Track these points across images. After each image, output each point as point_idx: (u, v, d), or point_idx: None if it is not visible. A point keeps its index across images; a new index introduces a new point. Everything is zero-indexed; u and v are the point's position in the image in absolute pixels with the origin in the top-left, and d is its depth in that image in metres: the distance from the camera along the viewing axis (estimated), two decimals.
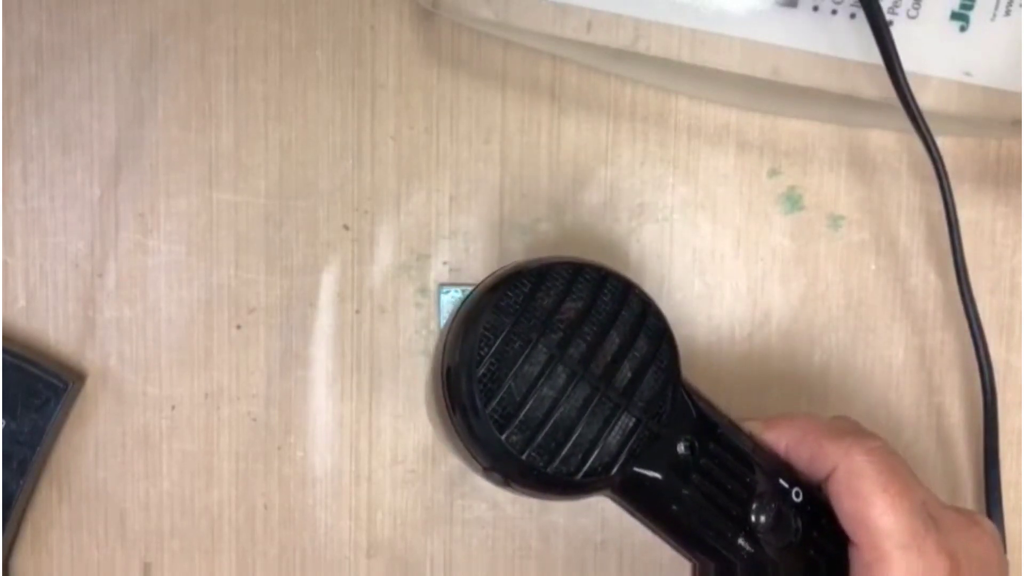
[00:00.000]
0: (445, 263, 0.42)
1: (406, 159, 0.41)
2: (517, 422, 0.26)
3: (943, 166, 0.38)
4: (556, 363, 0.26)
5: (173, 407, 0.42)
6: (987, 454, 0.40)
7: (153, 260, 0.42)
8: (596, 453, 0.26)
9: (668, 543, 0.31)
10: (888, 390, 0.42)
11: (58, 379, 0.40)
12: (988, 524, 0.31)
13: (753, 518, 0.29)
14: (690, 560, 0.31)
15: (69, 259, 0.42)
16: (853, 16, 0.38)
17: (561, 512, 0.42)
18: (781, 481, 0.30)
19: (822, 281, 0.41)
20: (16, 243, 0.42)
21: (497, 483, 0.28)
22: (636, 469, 0.28)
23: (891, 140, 0.41)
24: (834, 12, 0.38)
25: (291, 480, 0.42)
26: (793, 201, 0.41)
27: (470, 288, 0.41)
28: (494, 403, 0.26)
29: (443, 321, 0.41)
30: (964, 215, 0.41)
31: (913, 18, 0.38)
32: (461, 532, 0.42)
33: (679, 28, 0.39)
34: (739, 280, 0.41)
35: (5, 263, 0.42)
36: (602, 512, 0.42)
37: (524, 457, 0.26)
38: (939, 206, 0.41)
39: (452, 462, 0.42)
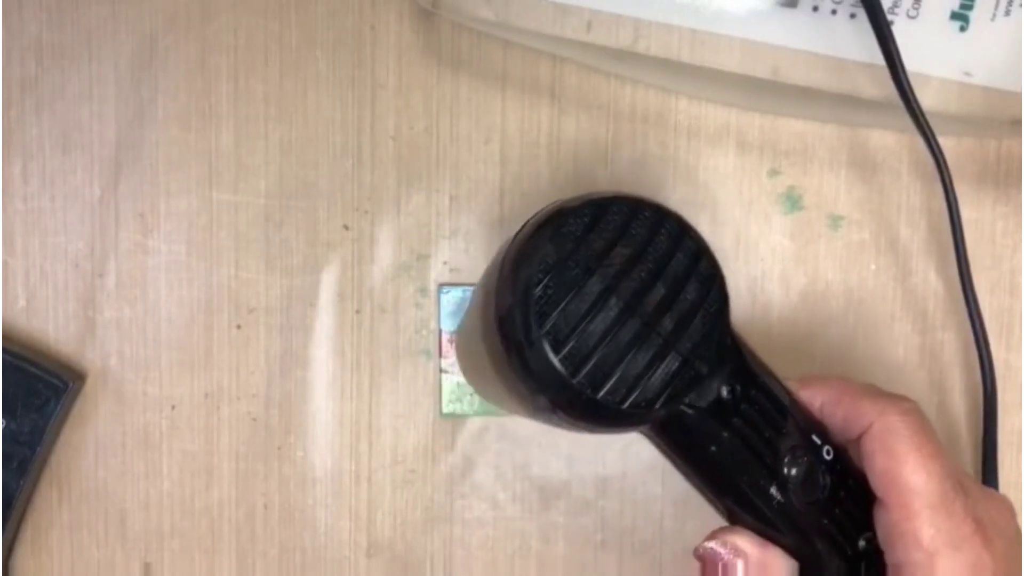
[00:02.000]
0: (445, 263, 0.42)
1: (406, 159, 0.41)
2: (569, 347, 0.26)
3: (946, 165, 0.38)
4: (610, 295, 0.27)
5: (173, 407, 0.42)
6: (986, 454, 0.40)
7: (153, 260, 0.42)
8: (643, 387, 0.27)
9: (699, 488, 0.31)
10: (888, 389, 0.42)
11: (58, 379, 0.40)
12: (1007, 499, 0.32)
13: (786, 470, 0.29)
14: (717, 508, 0.31)
15: (69, 259, 0.42)
16: (853, 16, 0.38)
17: (561, 512, 0.42)
18: (814, 437, 0.30)
19: (822, 281, 0.42)
20: (16, 243, 0.42)
21: (543, 414, 0.28)
22: (680, 407, 0.28)
23: (891, 140, 0.41)
24: (834, 12, 0.38)
25: (291, 480, 0.42)
26: (793, 201, 0.41)
27: (470, 288, 0.41)
28: (548, 325, 0.26)
29: (443, 321, 0.41)
30: (964, 215, 0.41)
31: (913, 18, 0.38)
32: (461, 532, 0.42)
33: (679, 28, 0.39)
34: (739, 280, 0.41)
35: (5, 263, 0.42)
36: (602, 512, 0.42)
37: (575, 382, 0.26)
38: (939, 205, 0.41)
39: (452, 462, 0.42)
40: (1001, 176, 0.41)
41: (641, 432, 0.30)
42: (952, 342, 0.41)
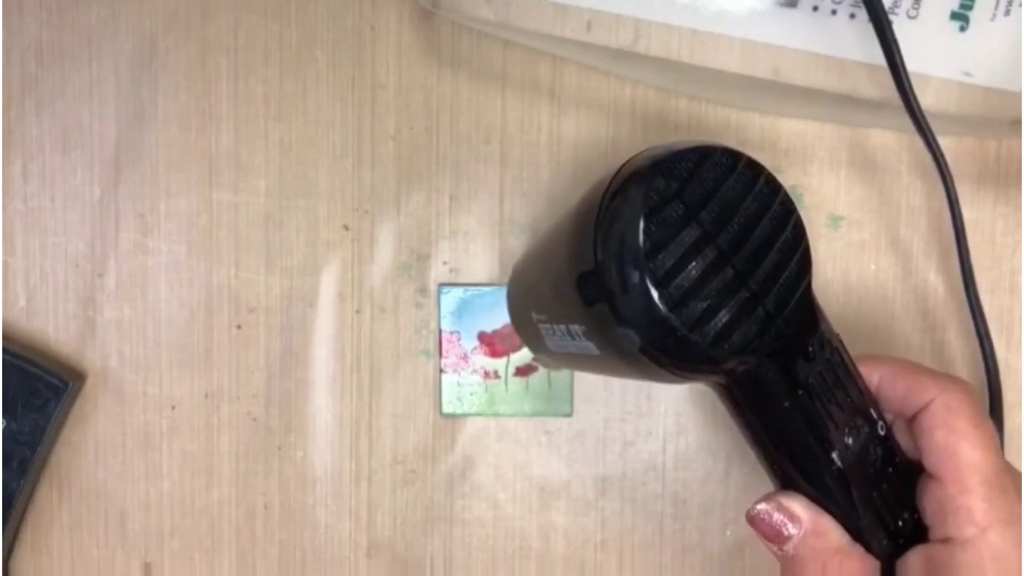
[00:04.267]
0: (445, 263, 0.42)
1: (406, 159, 0.41)
2: (670, 286, 0.27)
3: (946, 164, 0.38)
4: (708, 242, 0.27)
5: (173, 407, 0.42)
6: None
7: (153, 260, 0.42)
8: (733, 335, 0.27)
9: (761, 447, 0.31)
10: None
11: (58, 379, 0.40)
12: None
13: (847, 439, 0.30)
14: (774, 471, 0.31)
15: (69, 259, 0.42)
16: (853, 16, 0.38)
17: (561, 512, 0.42)
18: (872, 411, 0.31)
19: (822, 281, 0.41)
20: (16, 243, 0.42)
21: (626, 352, 0.28)
22: (761, 360, 0.28)
23: (891, 140, 0.41)
24: (834, 12, 0.38)
25: (291, 480, 0.42)
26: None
27: (470, 288, 0.41)
28: (653, 261, 0.27)
29: (443, 320, 0.41)
30: (964, 215, 0.41)
31: (913, 18, 0.38)
32: (461, 532, 0.42)
33: (679, 28, 0.39)
34: None
35: (5, 263, 0.42)
36: (602, 512, 0.42)
37: (672, 318, 0.26)
38: (939, 205, 0.41)
39: (452, 462, 0.42)
40: (1001, 176, 0.41)
41: (714, 384, 0.30)
42: (952, 342, 0.41)
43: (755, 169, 0.29)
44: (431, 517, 0.42)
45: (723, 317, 0.27)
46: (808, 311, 0.29)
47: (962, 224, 0.38)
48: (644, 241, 0.27)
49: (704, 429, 0.42)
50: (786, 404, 0.29)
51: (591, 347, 0.30)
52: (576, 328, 0.30)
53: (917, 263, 0.41)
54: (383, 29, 0.41)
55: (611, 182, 0.28)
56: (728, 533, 0.42)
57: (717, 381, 0.30)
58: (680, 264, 0.27)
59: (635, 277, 0.27)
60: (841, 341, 0.31)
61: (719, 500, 0.42)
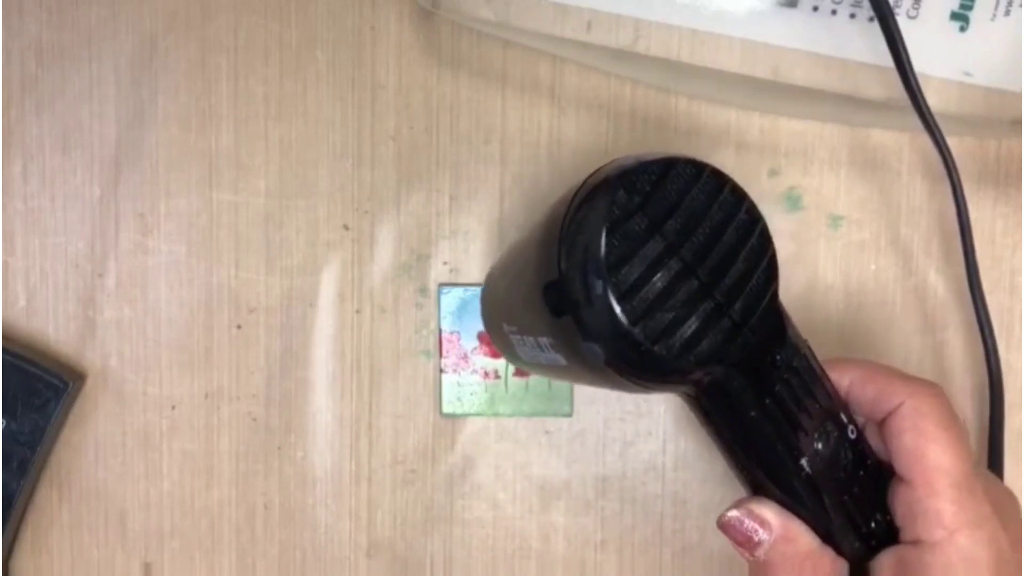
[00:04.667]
0: (445, 263, 0.42)
1: (406, 159, 0.41)
2: (633, 300, 0.27)
3: (954, 165, 0.37)
4: (672, 254, 0.27)
5: (173, 407, 0.42)
6: (991, 454, 0.40)
7: (153, 260, 0.42)
8: (697, 345, 0.27)
9: (731, 455, 0.31)
10: None
11: (58, 379, 0.40)
12: (1009, 488, 0.33)
13: (816, 444, 0.30)
14: (744, 478, 0.32)
15: (69, 259, 0.42)
16: (853, 16, 0.38)
17: (561, 512, 0.42)
18: (841, 415, 0.31)
19: (822, 281, 0.41)
20: (16, 243, 0.42)
21: (592, 366, 0.28)
22: (728, 370, 0.29)
23: (891, 140, 0.41)
24: (834, 12, 0.38)
25: (291, 480, 0.42)
26: (793, 201, 0.41)
27: (471, 288, 0.41)
28: (615, 276, 0.27)
29: (443, 320, 0.41)
30: None
31: (913, 18, 0.38)
32: (461, 532, 0.42)
33: (679, 28, 0.39)
34: None
35: (5, 263, 0.42)
36: (602, 512, 0.42)
37: (634, 333, 0.27)
38: (939, 205, 0.41)
39: (452, 462, 0.42)
40: (1001, 176, 0.41)
41: (683, 394, 0.30)
42: (952, 342, 0.41)
43: (719, 179, 0.28)
44: (431, 517, 0.42)
45: (688, 328, 0.27)
46: (775, 319, 0.29)
47: (968, 223, 0.38)
48: (606, 255, 0.27)
49: (704, 429, 0.42)
50: (753, 413, 0.29)
51: (559, 359, 0.30)
52: (544, 340, 0.30)
53: (917, 263, 0.41)
54: (383, 29, 0.41)
55: (576, 194, 0.29)
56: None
57: (685, 391, 0.30)
58: (644, 277, 0.27)
59: (598, 291, 0.27)
60: (809, 347, 0.31)
61: (719, 500, 0.42)
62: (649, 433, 0.42)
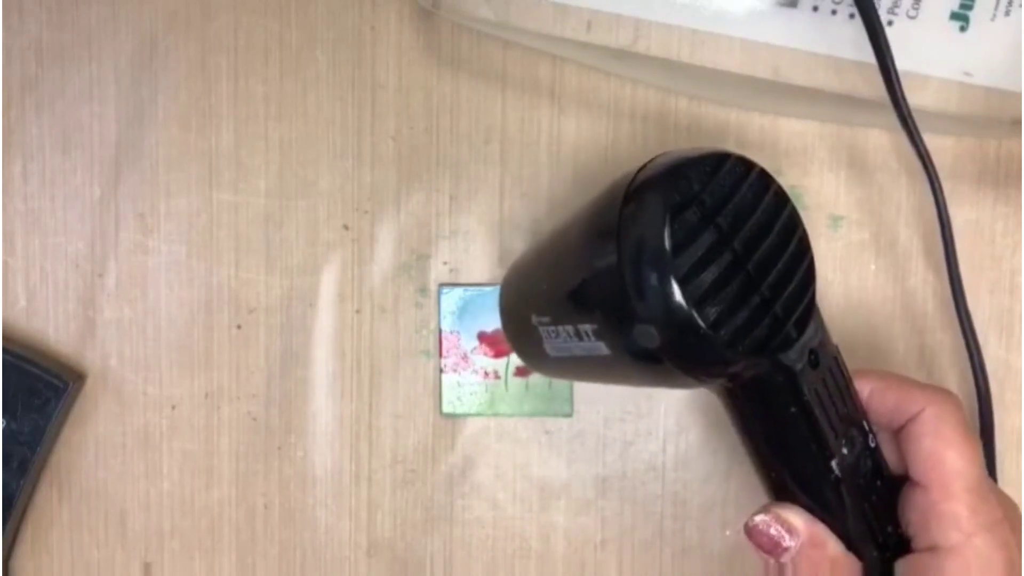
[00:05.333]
0: (445, 263, 0.42)
1: (406, 159, 0.41)
2: (690, 286, 0.27)
3: (931, 161, 0.38)
4: (725, 246, 0.28)
5: (173, 407, 0.42)
6: (985, 454, 0.40)
7: (153, 260, 0.42)
8: (748, 337, 0.28)
9: (758, 457, 0.31)
10: None
11: (58, 379, 0.40)
12: (1011, 497, 0.33)
13: (843, 449, 0.30)
14: (769, 479, 0.32)
15: (69, 259, 0.42)
16: (852, 16, 0.38)
17: (561, 512, 0.42)
18: (864, 423, 0.31)
19: (822, 281, 0.41)
20: (16, 243, 0.42)
21: (640, 351, 0.28)
22: (771, 364, 0.29)
23: (891, 140, 0.41)
24: (834, 12, 0.38)
25: (291, 480, 0.42)
26: (793, 201, 0.41)
27: (471, 288, 0.41)
28: (676, 262, 0.27)
29: (443, 320, 0.41)
30: (964, 215, 0.41)
31: (913, 18, 0.38)
32: (461, 532, 0.42)
33: (679, 28, 0.39)
34: None
35: (5, 263, 0.42)
36: (602, 512, 0.42)
37: (693, 317, 0.27)
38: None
39: (452, 462, 0.42)
40: (1001, 176, 0.41)
41: (721, 389, 0.30)
42: (952, 342, 0.41)
43: (766, 179, 0.29)
44: (431, 517, 0.42)
45: (739, 319, 0.28)
46: (815, 320, 0.30)
47: (949, 222, 0.38)
48: (668, 242, 0.27)
49: (704, 429, 0.42)
50: (792, 410, 0.30)
51: (601, 347, 0.30)
52: (586, 328, 0.30)
53: (917, 263, 0.41)
54: (383, 29, 0.41)
55: (631, 184, 0.29)
56: (728, 533, 0.42)
57: (724, 385, 0.30)
58: (699, 265, 0.27)
59: (658, 276, 0.27)
60: (839, 352, 0.31)
61: (719, 500, 0.42)
62: (649, 433, 0.42)
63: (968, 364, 0.40)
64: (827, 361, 0.30)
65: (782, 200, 0.29)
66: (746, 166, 0.29)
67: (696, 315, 0.27)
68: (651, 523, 0.42)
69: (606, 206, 0.29)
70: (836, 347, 0.31)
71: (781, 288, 0.28)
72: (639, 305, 0.28)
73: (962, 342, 0.40)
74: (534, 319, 0.34)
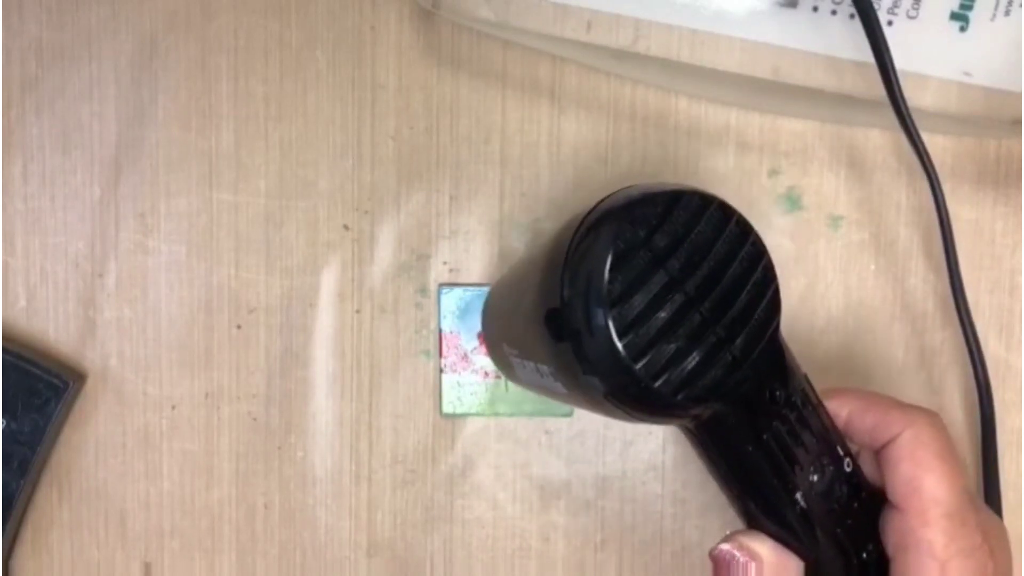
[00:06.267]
0: (445, 263, 0.42)
1: (406, 159, 0.41)
2: (633, 335, 0.26)
3: (930, 161, 0.38)
4: (676, 287, 0.27)
5: (173, 407, 0.42)
6: (985, 454, 0.40)
7: (153, 260, 0.42)
8: (697, 381, 0.27)
9: (727, 487, 0.31)
10: (888, 390, 0.41)
11: (58, 379, 0.40)
12: (1001, 521, 0.33)
13: (811, 477, 0.30)
14: (738, 509, 0.32)
15: (69, 259, 0.42)
16: (852, 16, 0.38)
17: (561, 512, 0.42)
18: (838, 448, 0.31)
19: (822, 281, 0.42)
20: (16, 243, 0.42)
21: (591, 397, 0.28)
22: (726, 406, 0.28)
23: (891, 140, 0.41)
24: (834, 13, 0.38)
25: (291, 480, 0.42)
26: (793, 201, 0.41)
27: (470, 288, 0.41)
28: (617, 311, 0.26)
29: (443, 321, 0.41)
30: (964, 215, 0.41)
31: (913, 18, 0.38)
32: (461, 532, 0.42)
33: (679, 28, 0.39)
34: None
35: (5, 263, 0.42)
36: (602, 512, 0.42)
37: (635, 369, 0.26)
38: None
39: (452, 462, 0.42)
40: (1001, 176, 0.41)
41: (681, 426, 0.30)
42: (952, 342, 0.41)
43: (726, 212, 0.28)
44: (431, 517, 0.42)
45: (689, 364, 0.27)
46: (775, 354, 0.29)
47: (949, 221, 0.38)
48: (609, 289, 0.26)
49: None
50: (750, 448, 0.29)
51: (559, 387, 0.30)
52: (544, 368, 0.30)
53: (917, 263, 0.41)
54: (383, 29, 0.41)
55: (582, 222, 0.28)
56: (728, 533, 0.42)
57: (683, 424, 0.30)
58: (646, 311, 0.27)
59: (600, 324, 0.26)
60: (808, 380, 0.31)
61: (719, 500, 0.42)
62: (649, 433, 0.42)
63: (968, 364, 0.40)
64: (790, 394, 0.30)
65: (743, 232, 0.28)
66: (703, 200, 0.28)
67: (637, 367, 0.26)
68: (651, 523, 0.42)
69: (558, 243, 0.29)
70: (804, 376, 0.31)
71: (740, 326, 0.28)
72: (582, 353, 0.27)
73: (962, 342, 0.40)
74: (505, 348, 0.34)
